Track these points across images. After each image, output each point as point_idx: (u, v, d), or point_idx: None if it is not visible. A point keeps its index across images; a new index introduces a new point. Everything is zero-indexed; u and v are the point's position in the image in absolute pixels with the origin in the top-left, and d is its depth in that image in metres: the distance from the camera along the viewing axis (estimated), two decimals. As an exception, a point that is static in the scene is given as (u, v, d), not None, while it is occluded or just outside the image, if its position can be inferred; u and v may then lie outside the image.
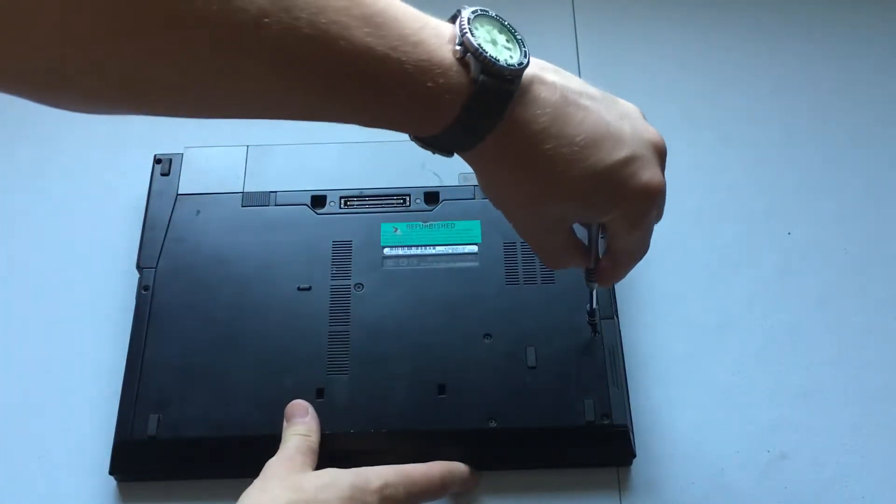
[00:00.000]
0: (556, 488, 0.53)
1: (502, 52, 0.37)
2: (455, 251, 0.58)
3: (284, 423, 0.51)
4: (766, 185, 0.64)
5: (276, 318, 0.55)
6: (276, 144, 0.62)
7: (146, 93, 0.34)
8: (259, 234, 0.59)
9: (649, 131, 0.42)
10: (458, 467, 0.51)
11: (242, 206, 0.60)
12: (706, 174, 0.64)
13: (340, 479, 0.46)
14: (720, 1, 0.73)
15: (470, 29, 0.37)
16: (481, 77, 0.36)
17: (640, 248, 0.46)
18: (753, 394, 0.56)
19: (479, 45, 0.36)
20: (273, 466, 0.48)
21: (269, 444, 0.50)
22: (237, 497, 0.45)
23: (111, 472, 0.52)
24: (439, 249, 0.58)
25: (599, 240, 0.47)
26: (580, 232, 0.47)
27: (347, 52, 0.34)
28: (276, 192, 0.60)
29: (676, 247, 0.60)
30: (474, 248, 0.58)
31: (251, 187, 0.61)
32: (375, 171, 0.61)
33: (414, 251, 0.58)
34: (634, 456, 0.53)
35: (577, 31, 0.71)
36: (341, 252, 0.58)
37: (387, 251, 0.58)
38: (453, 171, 0.61)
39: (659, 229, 0.46)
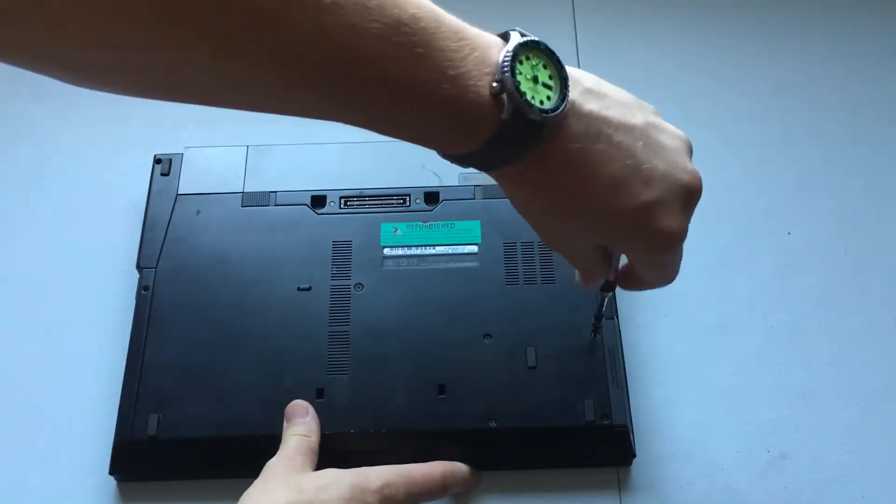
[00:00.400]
0: (556, 488, 0.53)
1: (540, 91, 0.36)
2: (455, 251, 0.58)
3: (284, 424, 0.51)
4: (766, 185, 0.64)
5: (276, 318, 0.55)
6: (276, 144, 0.62)
7: (182, 91, 0.34)
8: (259, 234, 0.59)
9: (685, 171, 0.40)
10: (459, 467, 0.51)
11: (242, 206, 0.60)
12: (706, 174, 0.63)
13: (341, 479, 0.46)
14: (720, 1, 0.73)
15: (513, 66, 0.35)
16: (510, 118, 0.35)
17: (656, 280, 0.45)
18: (753, 394, 0.56)
19: (517, 85, 0.35)
20: (273, 467, 0.48)
21: (269, 444, 0.50)
22: (237, 497, 0.46)
23: (111, 472, 0.52)
24: (439, 249, 0.58)
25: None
26: None
27: (377, 80, 0.34)
28: (276, 192, 0.60)
29: (676, 247, 0.60)
30: (474, 248, 0.58)
31: (251, 187, 0.61)
32: (375, 171, 0.61)
33: (414, 251, 0.58)
34: (634, 456, 0.53)
35: (577, 31, 0.71)
36: (341, 252, 0.58)
37: (387, 251, 0.58)
38: (453, 171, 0.61)
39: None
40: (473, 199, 0.60)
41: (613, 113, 0.38)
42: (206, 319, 0.56)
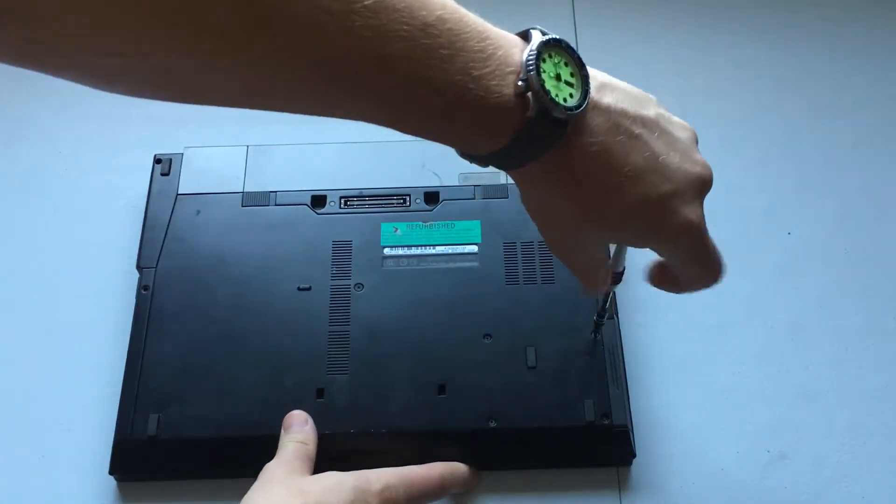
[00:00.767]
0: (556, 488, 0.53)
1: (563, 89, 0.36)
2: (455, 251, 0.58)
3: (282, 433, 0.51)
4: (766, 185, 0.64)
5: (276, 318, 0.56)
6: (276, 144, 0.62)
7: (207, 96, 0.34)
8: (259, 234, 0.59)
9: (697, 163, 0.40)
10: (458, 468, 0.51)
11: (242, 206, 0.60)
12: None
13: (343, 482, 0.46)
14: (720, 1, 0.73)
15: (537, 65, 0.36)
16: (536, 116, 0.36)
17: (694, 280, 0.45)
18: (753, 394, 0.56)
19: (542, 84, 0.35)
20: (272, 470, 0.48)
21: (269, 445, 0.50)
22: (237, 497, 0.45)
23: (111, 472, 0.52)
24: (439, 249, 0.58)
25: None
26: None
27: (403, 82, 0.34)
28: (276, 192, 0.60)
29: (676, 247, 0.60)
30: (474, 248, 0.58)
31: (251, 187, 0.61)
32: (375, 171, 0.61)
33: (414, 251, 0.58)
34: (634, 456, 0.53)
35: (577, 31, 0.71)
36: (341, 252, 0.58)
37: (387, 251, 0.58)
38: (453, 171, 0.61)
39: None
40: (473, 199, 0.60)
41: (629, 106, 0.39)
42: (206, 319, 0.56)
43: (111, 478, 0.53)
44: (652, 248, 0.43)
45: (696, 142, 0.42)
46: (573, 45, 0.38)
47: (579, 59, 0.38)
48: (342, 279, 0.57)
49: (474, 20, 0.35)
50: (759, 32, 0.71)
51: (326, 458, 0.50)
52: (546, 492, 0.53)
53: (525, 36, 0.37)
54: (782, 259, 0.61)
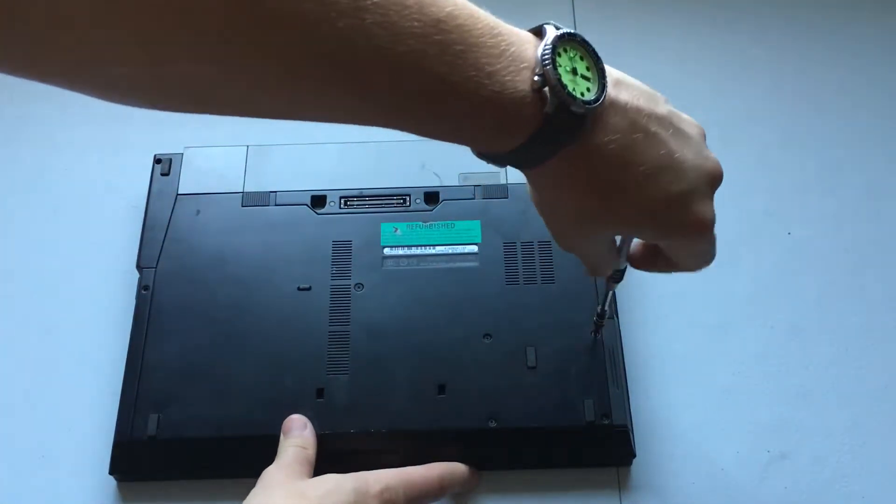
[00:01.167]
0: (556, 488, 0.53)
1: (580, 83, 0.36)
2: (455, 251, 0.58)
3: (281, 437, 0.51)
4: (766, 185, 0.64)
5: (276, 318, 0.55)
6: (276, 144, 0.62)
7: (214, 103, 0.34)
8: (259, 234, 0.59)
9: (708, 159, 0.40)
10: (458, 468, 0.51)
11: (242, 206, 0.60)
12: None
13: (343, 484, 0.46)
14: (720, 1, 0.73)
15: (553, 59, 0.35)
16: (555, 112, 0.35)
17: (692, 266, 0.45)
18: (753, 394, 0.56)
19: (559, 78, 0.35)
20: (272, 474, 0.48)
21: (268, 445, 0.50)
22: (237, 497, 0.45)
23: (111, 472, 0.52)
24: (439, 249, 0.58)
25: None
26: None
27: (417, 79, 0.33)
28: (276, 192, 0.60)
29: (676, 247, 0.60)
30: (474, 248, 0.58)
31: (251, 187, 0.61)
32: (375, 171, 0.61)
33: (414, 251, 0.58)
34: (634, 456, 0.53)
35: (577, 31, 0.71)
36: (341, 252, 0.58)
37: (387, 251, 0.58)
38: (453, 171, 0.61)
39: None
40: (473, 199, 0.60)
41: (643, 103, 0.38)
42: (206, 319, 0.56)
43: (111, 478, 0.53)
44: (663, 243, 0.43)
45: (705, 137, 0.42)
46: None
47: (595, 52, 0.37)
48: (342, 279, 0.57)
49: (485, 16, 0.35)
50: (759, 32, 0.71)
51: (326, 457, 0.50)
52: (546, 492, 0.53)
53: (537, 32, 0.37)
54: (782, 259, 0.61)
